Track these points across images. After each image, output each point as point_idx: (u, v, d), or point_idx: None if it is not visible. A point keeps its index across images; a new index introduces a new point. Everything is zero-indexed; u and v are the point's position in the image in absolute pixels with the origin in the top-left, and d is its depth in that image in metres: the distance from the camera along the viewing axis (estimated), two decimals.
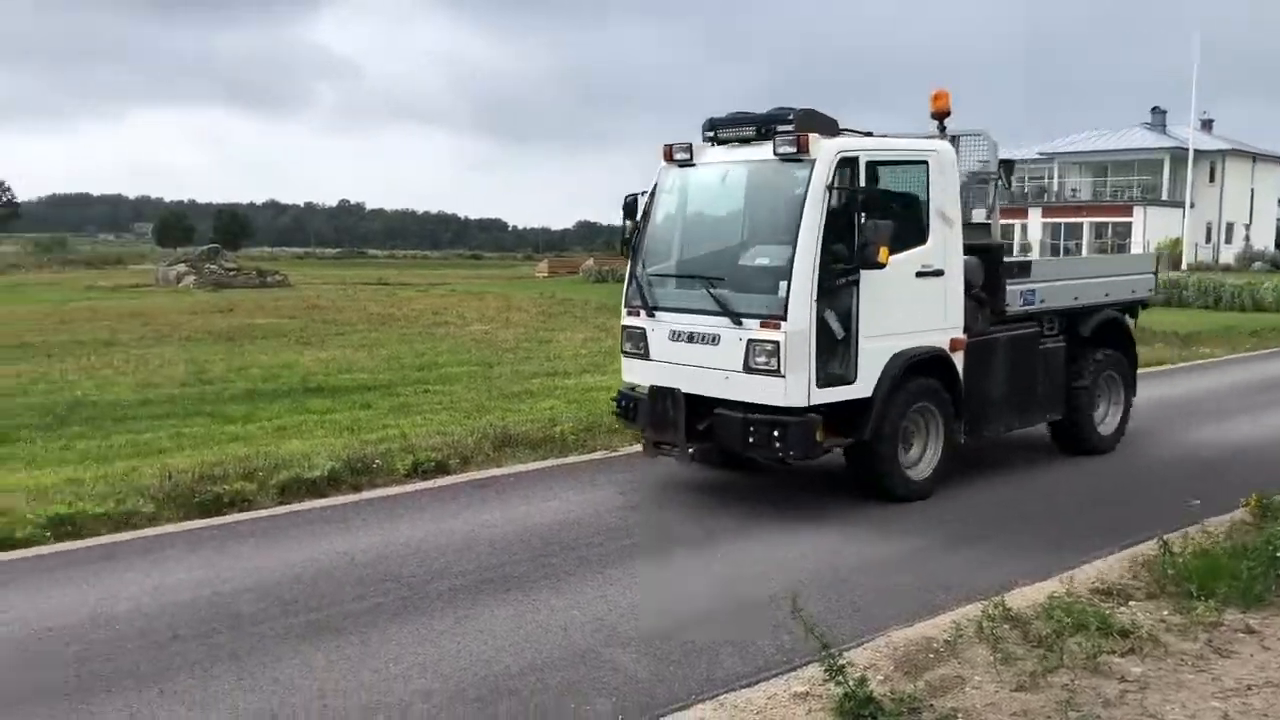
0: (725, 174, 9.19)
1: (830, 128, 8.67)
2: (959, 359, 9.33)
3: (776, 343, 8.32)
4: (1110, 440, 11.12)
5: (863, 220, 8.42)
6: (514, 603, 6.84)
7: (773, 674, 5.66)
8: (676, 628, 6.36)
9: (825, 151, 8.37)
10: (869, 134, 9.04)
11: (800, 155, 8.39)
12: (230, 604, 6.83)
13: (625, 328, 9.51)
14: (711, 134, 9.22)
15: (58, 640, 6.26)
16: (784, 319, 8.28)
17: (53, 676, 5.77)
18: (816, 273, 8.27)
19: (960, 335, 9.33)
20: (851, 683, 4.89)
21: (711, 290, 8.74)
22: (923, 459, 9.30)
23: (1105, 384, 11.09)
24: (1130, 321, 11.44)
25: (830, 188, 8.30)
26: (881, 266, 8.37)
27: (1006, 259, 10.09)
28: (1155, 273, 11.55)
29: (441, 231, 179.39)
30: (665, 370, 9.18)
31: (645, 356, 9.34)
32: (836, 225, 8.45)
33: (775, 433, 8.43)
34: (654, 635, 6.25)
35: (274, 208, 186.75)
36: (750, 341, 8.47)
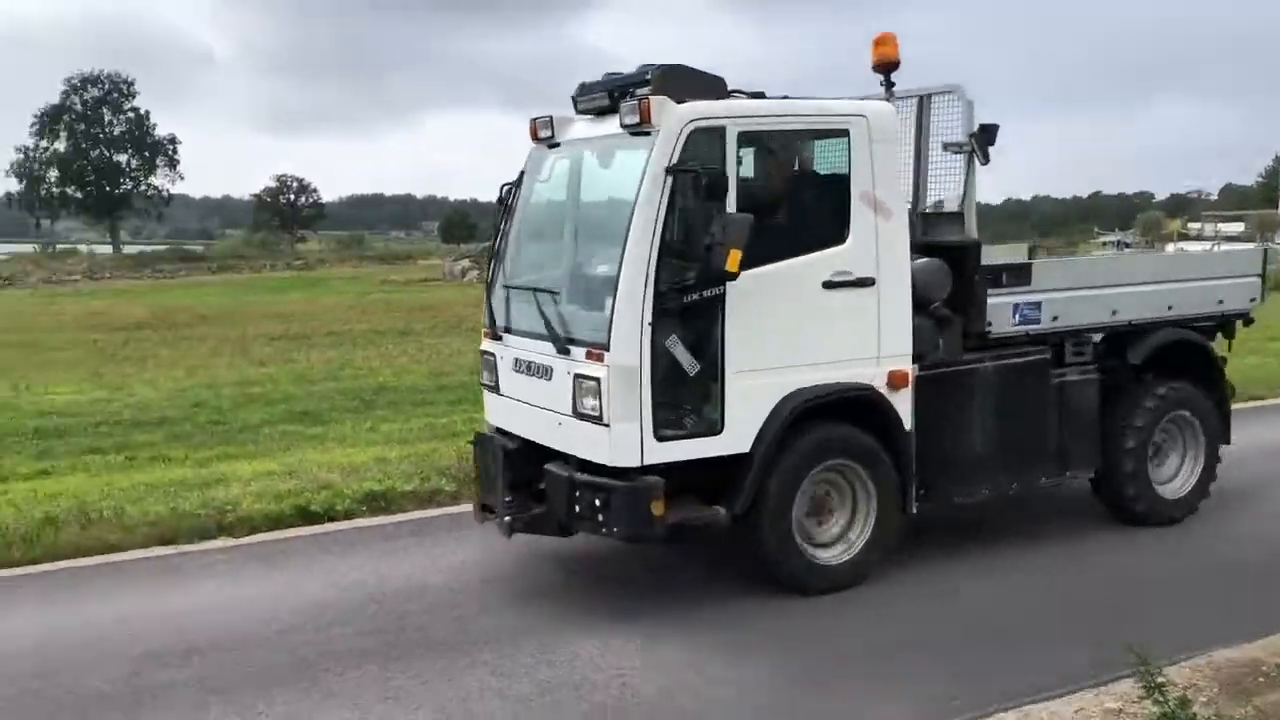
0: (578, 155, 7.04)
1: (703, 89, 6.39)
2: (904, 399, 6.83)
3: (598, 380, 6.18)
4: (1180, 506, 8.16)
5: (721, 214, 6.12)
6: None
7: None
8: None
9: (671, 120, 6.12)
10: (759, 95, 6.69)
11: (645, 127, 6.19)
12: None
13: (481, 353, 7.54)
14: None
15: (384, 605, 6.80)
16: (607, 348, 6.13)
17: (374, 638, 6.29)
18: (652, 286, 6.05)
19: (905, 367, 6.81)
20: (1172, 702, 4.48)
21: (542, 308, 6.69)
22: (846, 536, 6.87)
23: (1174, 430, 8.16)
24: (1212, 345, 8.41)
25: (674, 169, 6.05)
26: (731, 276, 6.06)
27: (990, 261, 7.41)
28: (1264, 275, 8.50)
29: None
30: (510, 410, 7.18)
31: (497, 391, 7.35)
32: (688, 221, 6.21)
33: (597, 501, 6.27)
34: None
35: None
36: (576, 377, 6.37)
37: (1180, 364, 8.18)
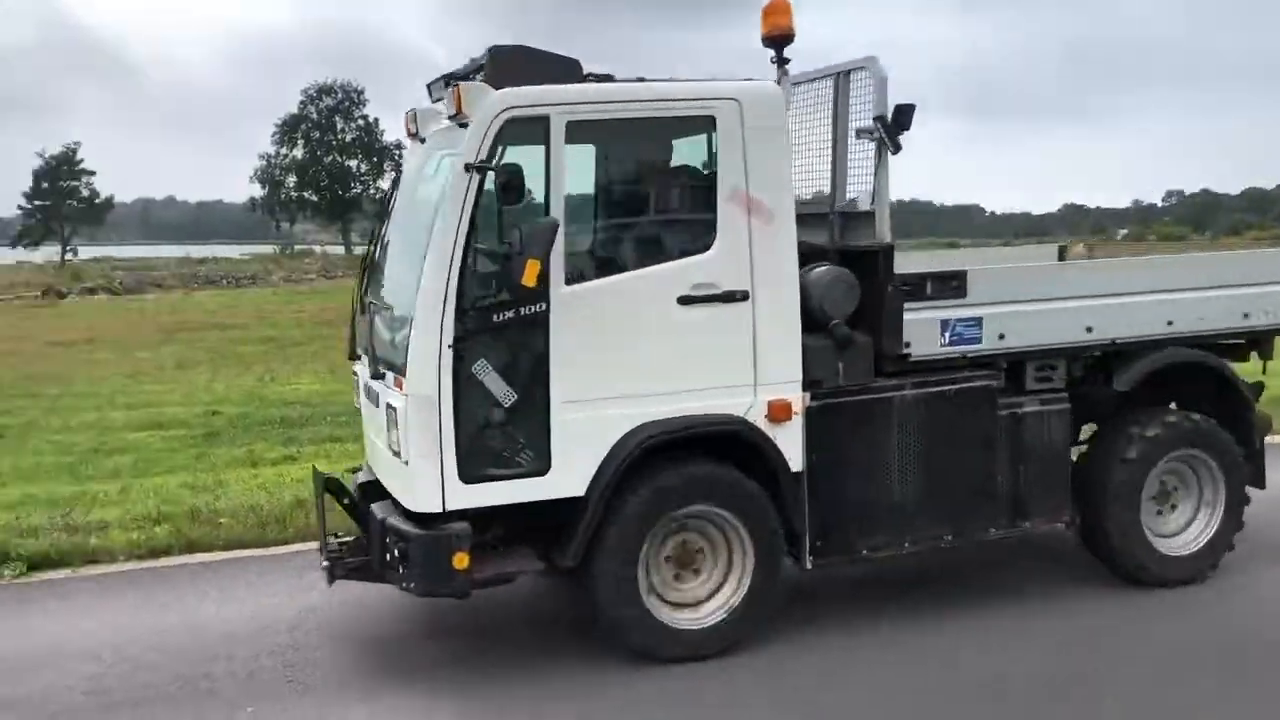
0: (428, 152, 6.25)
1: (549, 73, 5.52)
2: (790, 434, 5.75)
3: (396, 411, 5.40)
4: (1193, 564, 6.66)
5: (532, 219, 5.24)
6: None
7: None
8: None
9: (483, 109, 5.27)
10: (606, 78, 5.74)
11: (462, 118, 5.37)
12: None
13: (353, 373, 6.86)
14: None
15: None
16: (404, 374, 5.35)
17: None
18: (453, 302, 5.22)
19: (790, 396, 5.73)
20: None
21: (372, 325, 5.98)
22: (717, 596, 5.84)
23: (1185, 472, 6.70)
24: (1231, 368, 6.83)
25: (477, 167, 5.20)
26: (535, 293, 5.18)
27: (911, 269, 6.17)
28: None
29: (913, 219, 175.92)
30: (368, 441, 6.50)
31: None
32: (505, 226, 5.37)
33: (397, 550, 5.49)
34: None
35: None
36: (386, 407, 5.61)
37: (1190, 392, 6.71)
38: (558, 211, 5.30)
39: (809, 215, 6.41)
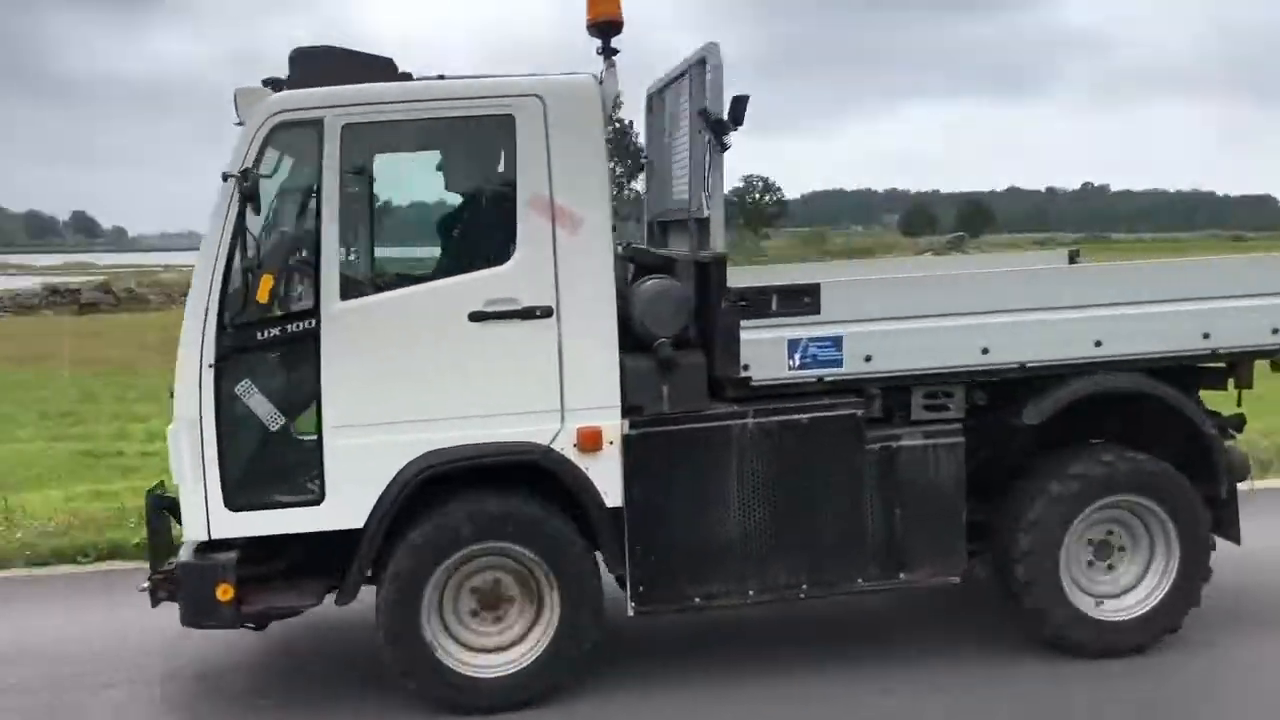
0: None
1: (355, 74, 5.16)
2: (605, 465, 5.14)
3: (169, 434, 5.16)
4: (1139, 629, 5.56)
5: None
6: None
7: None
8: None
9: (255, 114, 4.97)
10: (406, 77, 5.30)
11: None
12: None
13: None
14: None
15: None
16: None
17: None
18: (214, 318, 4.94)
19: (602, 423, 5.12)
20: None
21: None
22: (522, 643, 5.28)
23: (1133, 521, 5.62)
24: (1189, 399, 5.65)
25: (229, 174, 4.89)
26: (267, 310, 4.82)
27: (753, 283, 5.37)
28: None
29: (1196, 211, 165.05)
30: None
31: None
32: (295, 238, 5.09)
33: (173, 577, 5.25)
34: None
35: (1014, 194, 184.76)
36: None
37: (1149, 427, 5.63)
38: (331, 220, 4.93)
39: (677, 224, 5.78)
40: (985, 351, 5.33)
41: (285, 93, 5.01)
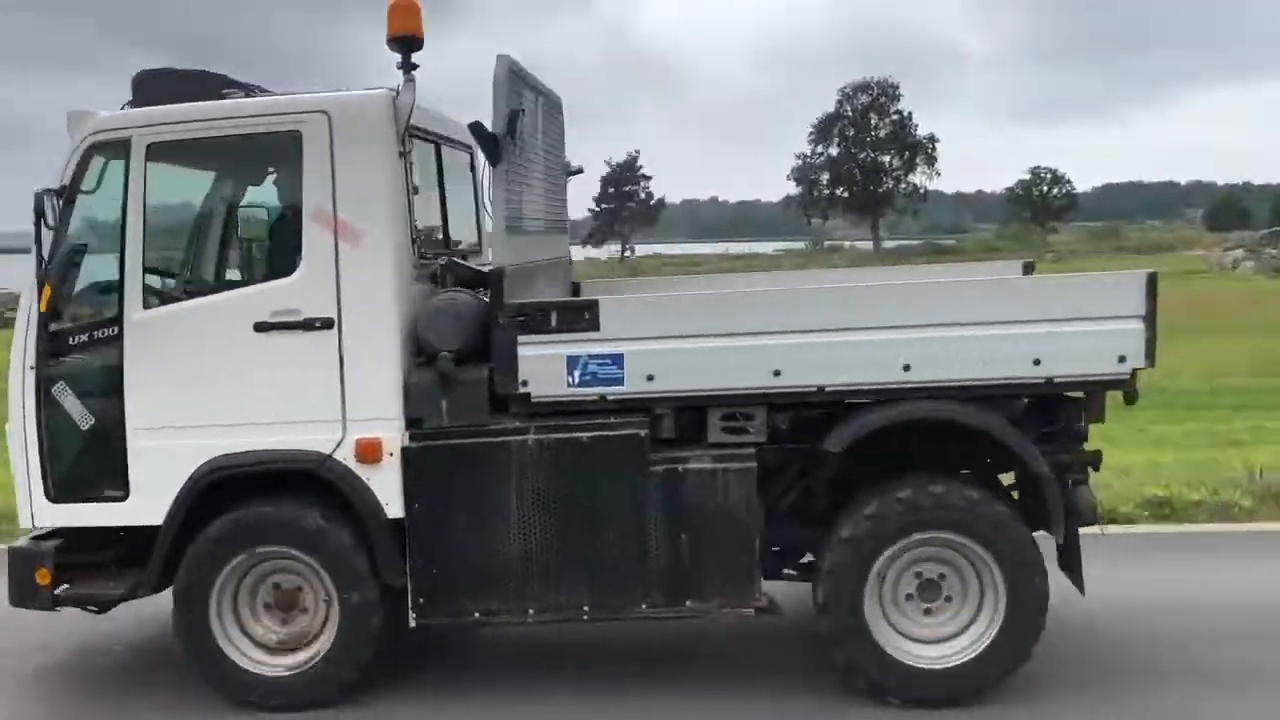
0: None
1: (187, 93, 5.48)
2: (385, 477, 5.20)
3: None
4: (959, 680, 5.12)
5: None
6: None
7: None
8: None
9: (76, 135, 5.37)
10: (248, 91, 5.56)
11: None
12: None
13: None
14: None
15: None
16: None
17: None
18: (35, 325, 5.37)
19: (382, 434, 5.19)
20: None
21: None
22: (312, 645, 5.41)
23: (960, 561, 5.15)
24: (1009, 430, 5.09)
25: (54, 192, 5.29)
26: (49, 319, 5.16)
27: (531, 299, 5.23)
28: (1149, 317, 4.92)
29: None
30: None
31: None
32: (79, 250, 5.43)
33: None
34: None
35: None
36: None
37: (959, 457, 5.18)
38: (136, 234, 5.25)
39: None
40: (777, 374, 5.04)
41: (101, 114, 5.36)
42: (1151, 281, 4.93)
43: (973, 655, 5.12)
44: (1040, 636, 5.11)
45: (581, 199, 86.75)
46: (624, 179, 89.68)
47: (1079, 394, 5.18)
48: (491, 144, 5.13)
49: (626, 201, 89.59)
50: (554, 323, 5.13)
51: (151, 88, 5.54)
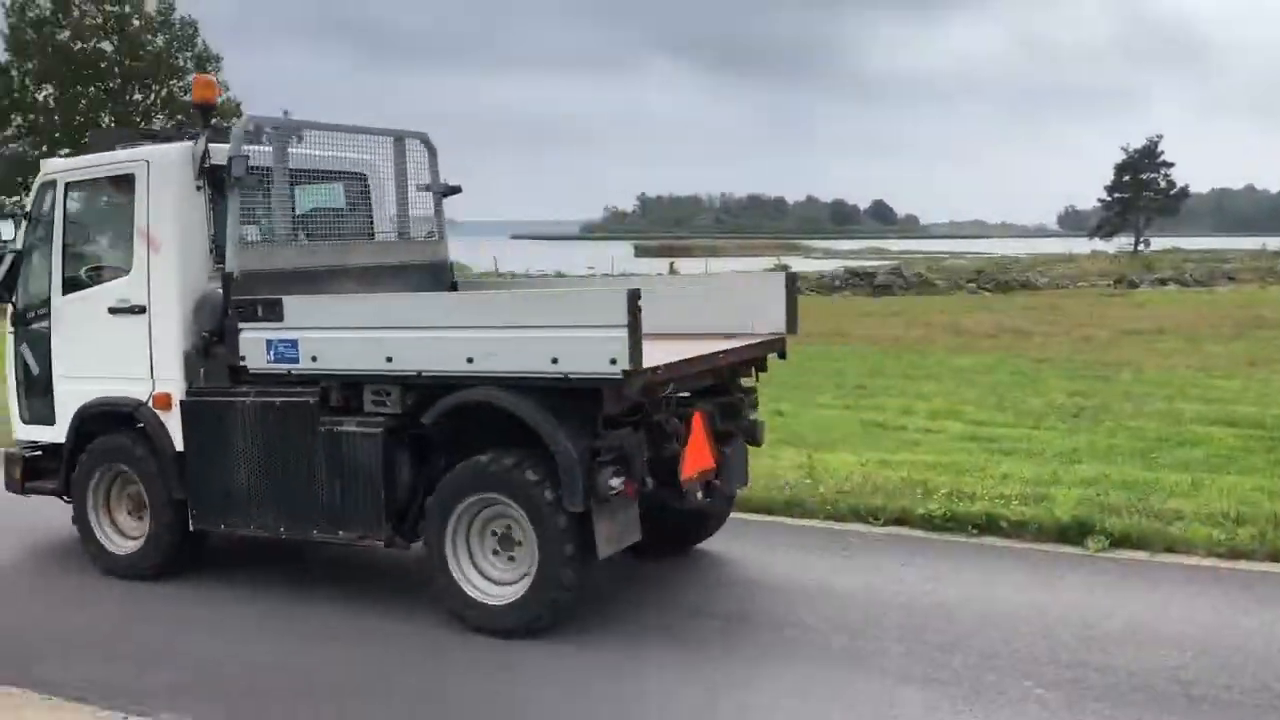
0: None
1: (104, 142, 8.15)
2: (174, 421, 7.32)
3: None
4: (510, 616, 6.34)
5: None
6: None
7: None
8: None
9: (38, 177, 8.09)
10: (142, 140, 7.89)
11: None
12: None
13: None
14: None
15: None
16: None
17: None
18: (7, 306, 8.26)
19: (169, 390, 7.32)
20: None
21: None
22: (142, 538, 7.68)
23: (519, 516, 6.31)
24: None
25: (28, 215, 8.04)
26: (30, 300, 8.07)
27: (241, 295, 6.98)
28: (631, 326, 5.73)
29: None
30: None
31: None
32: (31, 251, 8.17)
33: None
34: None
35: None
36: None
37: (494, 432, 6.40)
38: (59, 244, 7.82)
39: None
40: (389, 360, 6.50)
41: (49, 160, 7.97)
42: (633, 297, 5.80)
43: (517, 598, 6.30)
44: (574, 589, 6.20)
45: (1091, 189, 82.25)
46: (1142, 166, 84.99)
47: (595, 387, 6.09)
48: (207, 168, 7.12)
49: (1143, 190, 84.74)
50: (260, 314, 6.94)
51: (94, 140, 8.14)
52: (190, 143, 7.34)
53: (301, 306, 6.87)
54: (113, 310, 7.48)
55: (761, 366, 7.63)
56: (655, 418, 6.40)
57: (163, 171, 7.29)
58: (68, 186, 7.79)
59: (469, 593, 6.43)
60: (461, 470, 6.37)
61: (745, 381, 7.63)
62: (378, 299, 7.20)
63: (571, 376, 6.03)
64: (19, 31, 47.69)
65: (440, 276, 8.63)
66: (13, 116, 48.95)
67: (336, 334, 6.69)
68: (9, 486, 8.36)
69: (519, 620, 6.29)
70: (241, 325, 6.98)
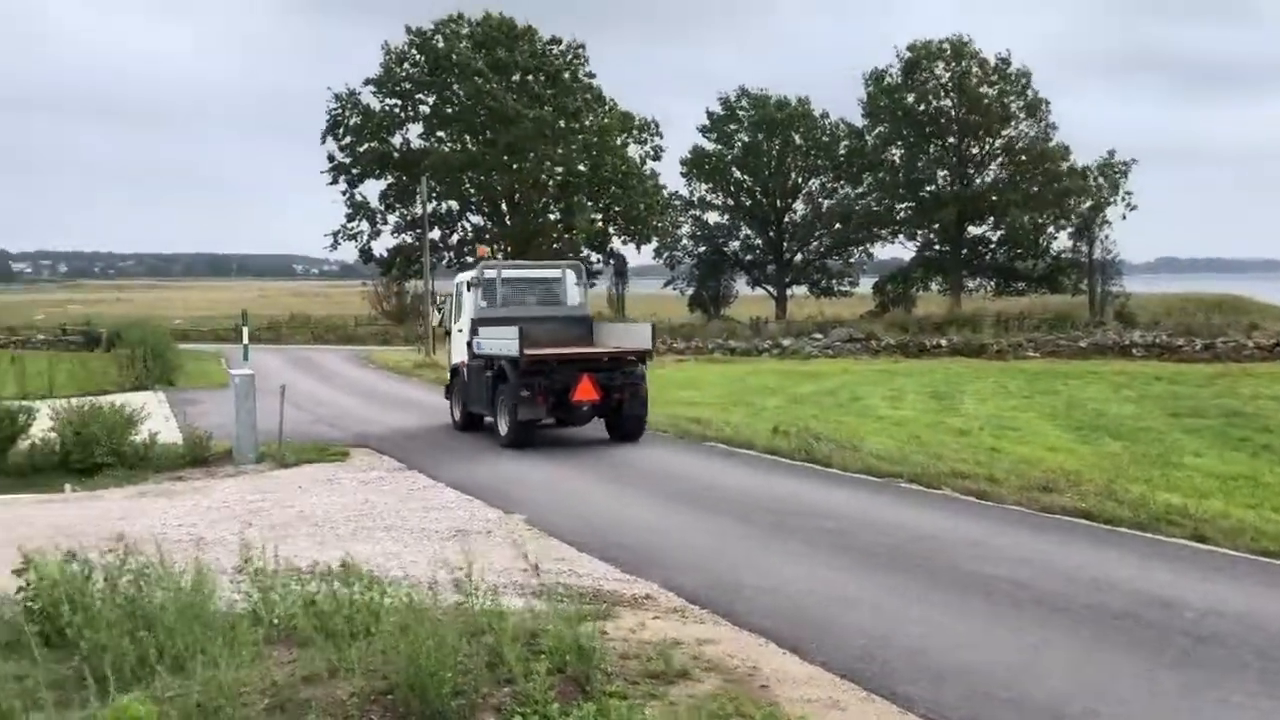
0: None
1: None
2: (462, 370, 20.53)
3: None
4: (504, 439, 18.43)
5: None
6: None
7: None
8: None
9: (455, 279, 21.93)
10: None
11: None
12: None
13: None
14: None
15: None
16: None
17: None
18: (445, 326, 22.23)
19: (461, 359, 20.51)
20: None
21: None
22: None
23: None
24: None
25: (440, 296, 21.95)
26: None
27: (476, 326, 19.62)
28: (519, 340, 17.39)
29: None
30: None
31: None
32: None
33: None
34: None
35: None
36: None
37: None
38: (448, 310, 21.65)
39: None
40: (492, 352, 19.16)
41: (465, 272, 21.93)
42: (521, 330, 17.85)
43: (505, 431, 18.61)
44: (519, 431, 18.41)
45: None
46: None
47: None
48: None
49: None
50: (477, 332, 19.95)
51: (440, 272, 21.95)
52: (469, 273, 20.57)
53: (483, 331, 19.76)
54: (449, 332, 21.03)
55: (643, 361, 18.61)
56: (553, 375, 18.05)
57: (460, 284, 20.63)
58: (457, 284, 21.45)
59: (499, 429, 18.79)
60: (501, 388, 18.66)
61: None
62: (483, 331, 19.89)
63: (509, 356, 18.18)
64: (874, 99, 54.97)
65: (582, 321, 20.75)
66: (864, 176, 57.12)
67: (490, 342, 19.39)
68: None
69: (506, 442, 18.41)
70: (473, 338, 20.04)
